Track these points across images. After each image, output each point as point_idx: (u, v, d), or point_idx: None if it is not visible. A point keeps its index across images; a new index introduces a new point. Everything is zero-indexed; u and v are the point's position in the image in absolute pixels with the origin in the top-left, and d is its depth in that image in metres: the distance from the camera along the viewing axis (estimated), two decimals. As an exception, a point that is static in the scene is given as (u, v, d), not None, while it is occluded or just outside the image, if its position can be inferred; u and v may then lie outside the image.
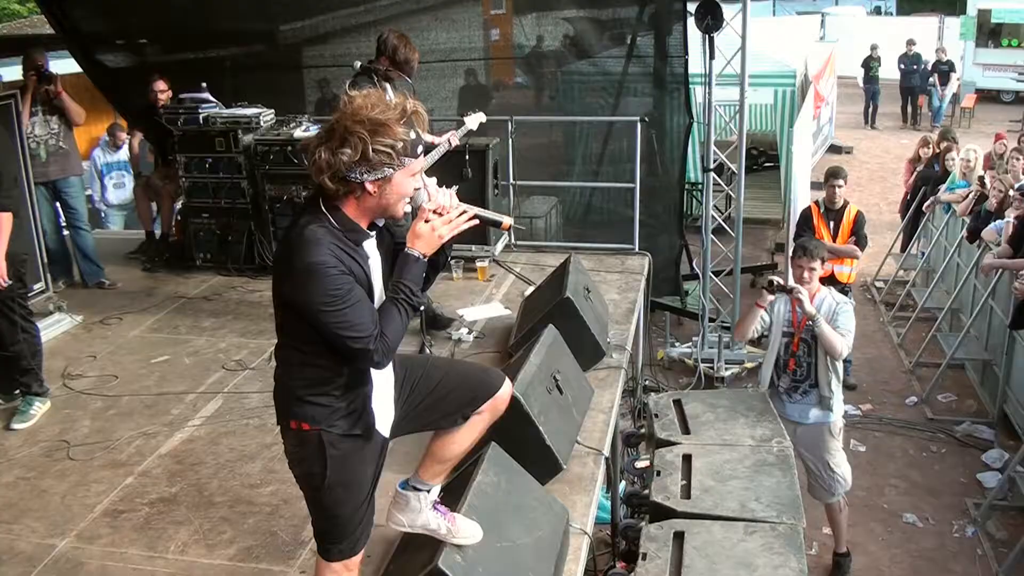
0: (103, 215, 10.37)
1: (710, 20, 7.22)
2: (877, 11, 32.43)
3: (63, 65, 9.91)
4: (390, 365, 2.78)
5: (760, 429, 4.54)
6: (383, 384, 2.80)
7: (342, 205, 2.56)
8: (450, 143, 5.75)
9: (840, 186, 7.34)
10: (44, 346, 5.75)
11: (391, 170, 2.51)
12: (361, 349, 2.55)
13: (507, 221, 2.86)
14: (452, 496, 3.25)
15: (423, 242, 2.63)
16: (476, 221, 2.71)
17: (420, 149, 2.57)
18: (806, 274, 5.26)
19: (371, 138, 2.45)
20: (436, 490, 3.08)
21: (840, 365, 5.39)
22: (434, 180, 3.80)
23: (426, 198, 2.64)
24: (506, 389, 3.02)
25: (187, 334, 5.97)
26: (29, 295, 6.06)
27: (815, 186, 10.10)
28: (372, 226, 2.64)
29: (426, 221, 2.62)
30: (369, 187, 2.52)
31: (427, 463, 3.04)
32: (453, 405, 2.95)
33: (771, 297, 5.33)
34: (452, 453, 3.02)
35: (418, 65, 5.59)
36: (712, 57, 7.42)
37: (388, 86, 5.47)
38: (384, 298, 2.68)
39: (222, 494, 4.08)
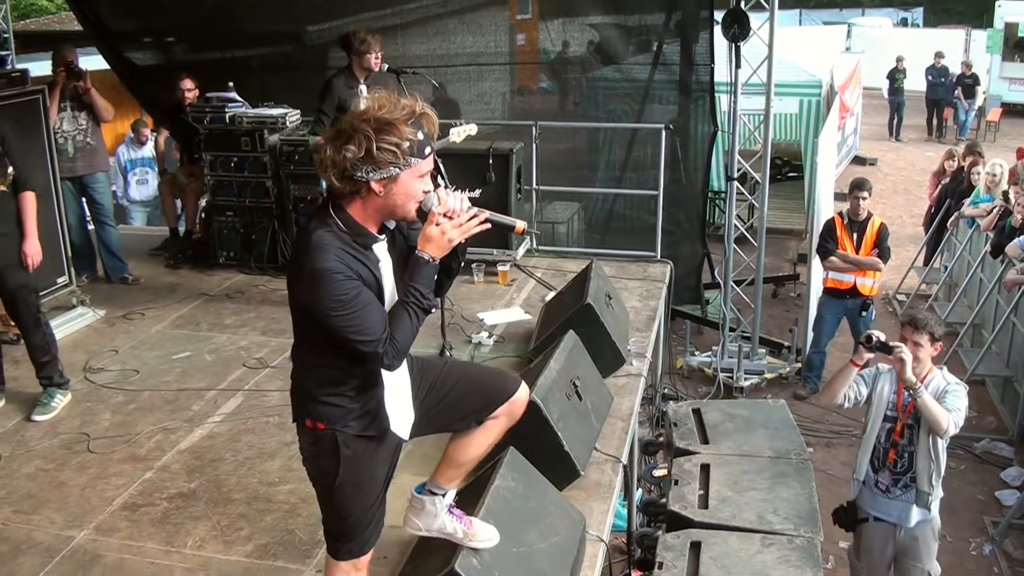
0: (126, 211, 10.45)
1: (737, 29, 7.19)
2: (904, 23, 32.32)
3: (91, 62, 10.02)
4: (405, 367, 2.78)
5: (779, 441, 4.53)
6: (396, 385, 2.79)
7: (349, 206, 2.56)
8: None
9: (864, 198, 7.32)
10: (67, 339, 5.87)
11: (396, 169, 2.49)
12: (371, 352, 2.55)
13: (520, 225, 2.82)
14: (470, 500, 3.26)
15: (433, 245, 2.60)
16: (488, 225, 2.68)
17: (428, 151, 2.54)
18: (908, 347, 4.34)
19: (376, 136, 2.43)
20: (452, 494, 3.08)
21: (943, 455, 4.50)
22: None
23: (436, 201, 2.61)
24: (522, 393, 3.00)
25: (209, 331, 6.01)
26: (51, 289, 6.15)
27: (839, 197, 10.05)
28: (383, 229, 2.64)
29: (436, 224, 2.60)
30: (375, 186, 2.50)
31: (443, 467, 3.04)
32: (468, 408, 2.94)
33: (868, 355, 4.39)
34: (468, 457, 3.01)
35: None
36: (738, 66, 7.38)
37: (363, 87, 5.63)
38: (388, 303, 2.66)
39: (240, 491, 4.10)
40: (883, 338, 4.30)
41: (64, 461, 4.42)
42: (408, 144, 2.47)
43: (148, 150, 10.32)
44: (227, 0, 8.81)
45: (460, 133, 5.66)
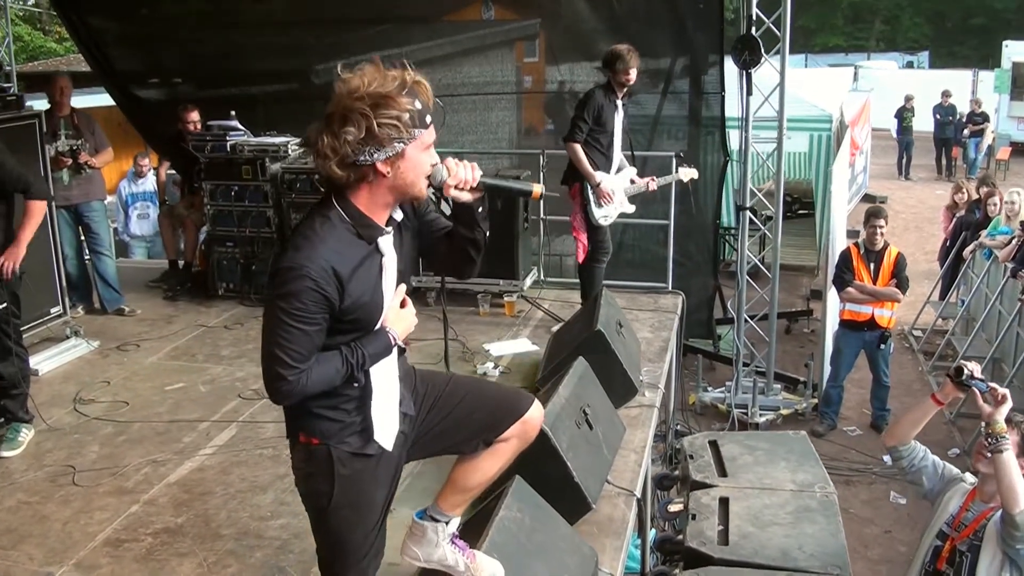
0: (127, 246, 10.32)
1: (748, 56, 7.05)
2: (910, 66, 32.39)
3: (95, 100, 10.02)
4: (394, 371, 2.56)
5: (801, 474, 4.29)
6: (384, 389, 2.54)
7: (354, 196, 2.36)
8: (648, 186, 6.15)
9: (881, 226, 7.15)
10: (58, 371, 5.70)
11: (401, 144, 2.29)
12: (278, 373, 2.29)
13: (537, 189, 2.66)
14: (472, 532, 3.02)
15: (403, 326, 2.49)
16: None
17: (429, 120, 2.35)
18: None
19: (374, 112, 2.24)
20: (456, 522, 2.84)
21: None
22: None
23: (446, 173, 2.44)
24: (535, 412, 2.76)
25: (204, 362, 5.81)
26: (44, 319, 5.97)
27: (851, 235, 9.86)
28: (390, 222, 2.44)
29: (402, 306, 2.50)
30: (381, 167, 2.30)
31: (447, 492, 2.80)
32: (475, 427, 2.70)
33: (956, 393, 3.58)
34: (475, 482, 2.77)
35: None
36: (749, 93, 7.23)
37: (618, 104, 5.82)
38: (388, 305, 2.46)
39: (230, 526, 3.86)
40: (977, 372, 3.46)
41: (48, 494, 4.19)
42: (408, 116, 2.27)
43: (150, 184, 10.19)
44: (235, 40, 8.76)
45: (686, 174, 6.31)
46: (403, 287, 2.51)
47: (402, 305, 2.51)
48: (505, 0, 9.08)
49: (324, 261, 2.26)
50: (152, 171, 10.06)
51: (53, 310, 6.09)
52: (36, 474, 4.39)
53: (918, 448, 3.70)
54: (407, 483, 4.08)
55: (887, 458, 7.11)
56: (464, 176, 2.45)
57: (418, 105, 2.30)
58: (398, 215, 2.46)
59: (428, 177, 2.40)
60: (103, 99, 10.01)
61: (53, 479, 4.34)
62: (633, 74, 5.78)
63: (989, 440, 3.35)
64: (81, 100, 7.07)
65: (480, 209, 2.53)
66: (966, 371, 3.42)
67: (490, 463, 2.75)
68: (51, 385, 5.47)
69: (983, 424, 3.41)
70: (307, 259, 2.25)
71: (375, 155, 2.27)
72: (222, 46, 8.82)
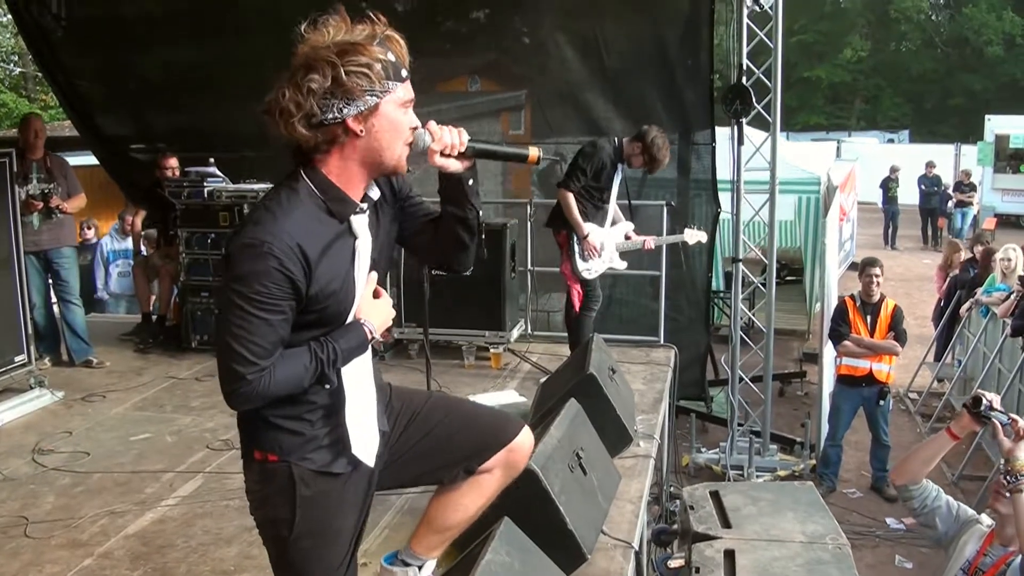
0: (106, 304, 10.03)
1: (739, 105, 6.93)
2: (891, 142, 32.83)
3: (77, 160, 9.89)
4: (370, 375, 2.27)
5: (811, 525, 3.98)
6: (358, 398, 2.24)
7: (324, 164, 2.09)
8: (645, 245, 6.10)
9: (877, 275, 6.96)
10: (19, 421, 5.40)
11: (374, 98, 2.03)
12: (236, 372, 1.99)
13: (534, 153, 2.37)
14: (456, 578, 2.72)
15: (379, 317, 2.20)
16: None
17: (405, 74, 2.10)
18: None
19: (341, 60, 1.98)
20: (430, 566, 2.53)
21: None
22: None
23: (429, 139, 2.17)
24: (524, 439, 2.47)
25: (172, 413, 5.51)
26: (7, 368, 5.68)
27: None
28: (365, 199, 2.17)
29: (376, 296, 2.21)
30: (352, 125, 2.04)
31: (422, 531, 2.50)
32: (456, 452, 2.40)
33: (973, 426, 3.31)
34: (453, 520, 2.48)
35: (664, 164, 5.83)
36: (740, 143, 7.10)
37: (620, 166, 5.74)
38: (360, 297, 2.18)
39: (190, 580, 3.54)
40: (997, 403, 3.22)
41: (-4, 547, 3.87)
42: (380, 65, 2.03)
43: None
44: (223, 105, 8.64)
45: (693, 237, 6.26)
46: (375, 275, 2.23)
47: (375, 295, 2.24)
48: (491, 72, 9.04)
49: (289, 237, 1.98)
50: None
51: (17, 359, 5.79)
52: (-16, 526, 4.06)
53: (930, 487, 3.47)
54: (384, 536, 3.79)
55: (891, 520, 6.84)
56: (450, 140, 2.19)
57: (391, 57, 2.06)
58: (375, 193, 2.21)
59: (409, 145, 2.15)
60: (88, 159, 9.90)
61: (4, 531, 4.02)
62: (648, 167, 5.75)
63: (1008, 478, 3.13)
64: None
65: (471, 182, 2.27)
66: (984, 401, 3.20)
67: (471, 498, 2.45)
68: (11, 436, 5.17)
69: (1002, 460, 3.21)
70: (269, 234, 1.97)
71: (345, 110, 2.02)
72: (210, 110, 8.71)
